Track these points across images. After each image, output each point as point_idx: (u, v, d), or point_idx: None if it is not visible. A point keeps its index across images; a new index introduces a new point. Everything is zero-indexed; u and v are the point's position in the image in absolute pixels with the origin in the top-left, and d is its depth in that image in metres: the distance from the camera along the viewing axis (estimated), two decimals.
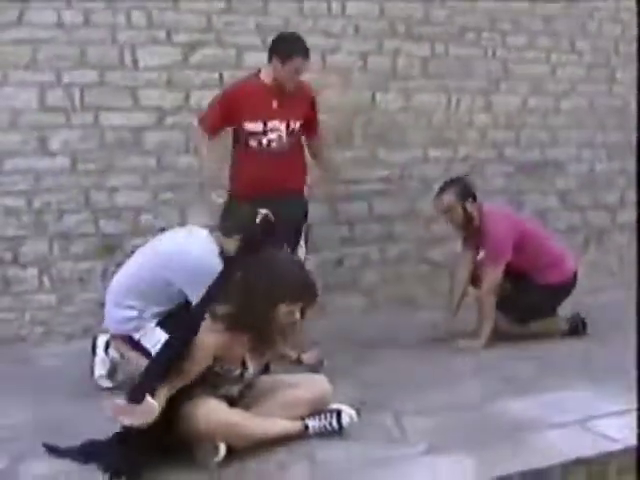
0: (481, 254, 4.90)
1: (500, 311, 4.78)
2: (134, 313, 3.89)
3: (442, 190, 4.85)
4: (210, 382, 3.12)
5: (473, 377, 4.17)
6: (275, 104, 4.43)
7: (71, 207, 5.12)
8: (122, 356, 4.04)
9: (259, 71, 4.55)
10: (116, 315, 3.95)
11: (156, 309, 3.88)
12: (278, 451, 3.10)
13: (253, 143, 4.45)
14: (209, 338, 3.05)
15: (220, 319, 3.09)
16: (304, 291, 3.17)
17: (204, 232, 4.00)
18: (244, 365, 3.20)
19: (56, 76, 5.05)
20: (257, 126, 4.41)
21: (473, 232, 4.86)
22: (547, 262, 4.84)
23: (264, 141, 4.44)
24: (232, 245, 3.92)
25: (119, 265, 4.35)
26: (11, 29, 4.97)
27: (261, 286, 3.08)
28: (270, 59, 4.43)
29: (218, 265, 3.71)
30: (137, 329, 3.90)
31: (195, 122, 4.76)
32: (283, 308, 3.11)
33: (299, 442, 3.19)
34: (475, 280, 4.90)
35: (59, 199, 5.09)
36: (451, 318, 4.91)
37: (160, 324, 3.85)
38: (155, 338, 3.75)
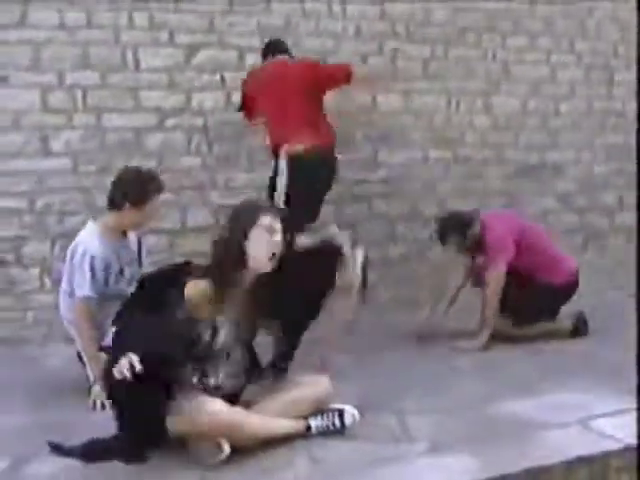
0: (480, 258, 4.92)
1: (500, 313, 4.80)
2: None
3: (443, 240, 4.98)
4: (193, 365, 3.14)
5: (474, 377, 4.18)
6: None
7: (73, 208, 5.13)
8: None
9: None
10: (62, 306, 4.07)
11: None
12: (281, 450, 3.11)
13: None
14: (199, 286, 3.09)
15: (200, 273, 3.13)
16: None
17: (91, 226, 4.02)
18: (215, 329, 3.17)
19: (58, 77, 5.07)
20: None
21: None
22: (548, 263, 4.85)
23: None
24: (122, 218, 3.94)
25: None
26: (14, 30, 4.99)
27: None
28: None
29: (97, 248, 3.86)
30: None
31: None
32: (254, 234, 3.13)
33: (302, 441, 3.20)
34: (477, 281, 4.92)
35: (61, 200, 5.11)
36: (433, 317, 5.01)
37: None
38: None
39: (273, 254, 3.15)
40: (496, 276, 4.74)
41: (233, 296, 3.17)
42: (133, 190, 3.86)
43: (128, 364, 2.70)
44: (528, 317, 4.82)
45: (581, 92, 6.73)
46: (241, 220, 3.16)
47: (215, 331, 3.15)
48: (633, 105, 6.91)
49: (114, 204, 3.91)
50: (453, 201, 5.81)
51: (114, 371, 2.73)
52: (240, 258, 3.12)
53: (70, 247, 3.96)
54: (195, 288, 3.08)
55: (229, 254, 3.12)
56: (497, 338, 4.79)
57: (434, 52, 6.11)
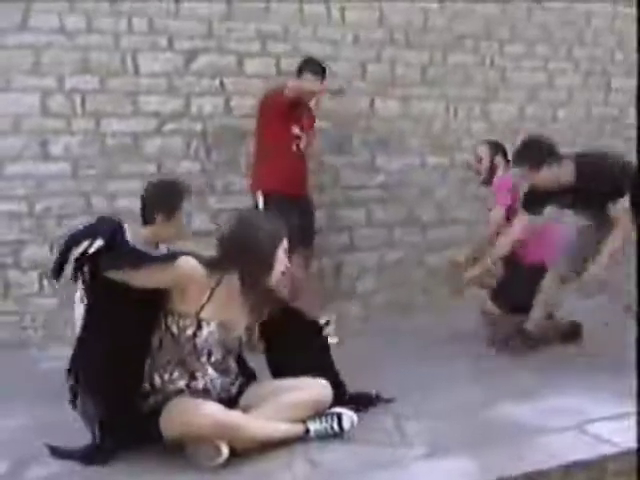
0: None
1: (493, 302, 4.80)
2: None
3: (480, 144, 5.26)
4: (179, 366, 3.18)
5: (472, 382, 4.18)
6: (302, 114, 5.08)
7: (72, 212, 5.14)
8: None
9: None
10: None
11: None
12: (279, 453, 3.12)
13: (294, 146, 5.03)
14: (192, 261, 3.14)
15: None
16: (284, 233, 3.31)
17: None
18: (199, 325, 3.18)
19: (58, 81, 5.09)
20: (297, 131, 5.03)
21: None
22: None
23: (301, 145, 5.08)
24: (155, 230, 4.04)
25: None
26: (14, 34, 5.02)
27: (260, 235, 3.20)
28: (300, 73, 5.08)
29: None
30: None
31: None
32: (279, 253, 3.24)
33: (300, 445, 3.20)
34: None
35: (60, 204, 5.12)
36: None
37: None
38: None
39: (283, 273, 3.28)
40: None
41: (227, 300, 3.20)
42: (162, 203, 3.99)
43: None
44: (517, 297, 4.75)
45: (579, 98, 6.76)
46: (274, 233, 3.25)
47: (199, 327, 3.17)
48: (631, 111, 6.94)
49: (146, 219, 4.02)
50: (450, 207, 5.83)
51: None
52: (269, 267, 3.22)
53: None
54: (189, 262, 3.14)
55: (263, 261, 3.20)
56: (495, 347, 4.83)
57: (432, 58, 6.14)
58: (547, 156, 4.33)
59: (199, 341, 3.17)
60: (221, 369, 3.29)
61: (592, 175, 4.27)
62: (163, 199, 4.01)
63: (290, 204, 4.83)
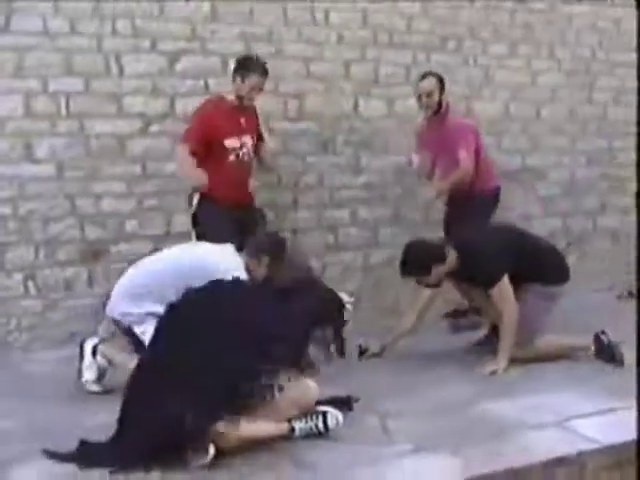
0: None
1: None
2: (142, 310, 4.01)
3: (427, 75, 5.35)
4: None
5: (456, 381, 4.22)
6: (243, 121, 4.97)
7: (56, 214, 5.14)
8: (110, 362, 4.08)
9: (223, 96, 5.01)
10: (126, 305, 4.08)
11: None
12: (265, 452, 3.15)
13: (231, 157, 4.90)
14: None
15: None
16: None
17: (232, 249, 4.21)
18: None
19: (42, 83, 5.08)
20: (234, 142, 4.91)
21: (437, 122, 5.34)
22: (485, 170, 5.33)
23: (240, 154, 4.94)
24: (258, 267, 4.18)
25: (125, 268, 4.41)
26: None
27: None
28: (234, 79, 4.92)
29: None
30: (139, 322, 4.01)
31: (179, 144, 4.94)
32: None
33: (285, 444, 3.24)
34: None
35: (45, 206, 5.11)
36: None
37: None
38: None
39: None
40: (467, 166, 5.17)
41: None
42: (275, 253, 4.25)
43: None
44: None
45: (562, 97, 6.80)
46: None
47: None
48: (614, 109, 7.00)
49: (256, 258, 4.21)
50: (435, 206, 5.84)
51: None
52: None
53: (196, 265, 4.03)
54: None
55: None
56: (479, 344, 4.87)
57: (416, 58, 6.16)
58: (431, 261, 4.44)
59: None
60: None
61: (470, 261, 4.45)
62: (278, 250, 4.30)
63: (224, 214, 4.80)
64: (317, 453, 3.18)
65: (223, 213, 4.79)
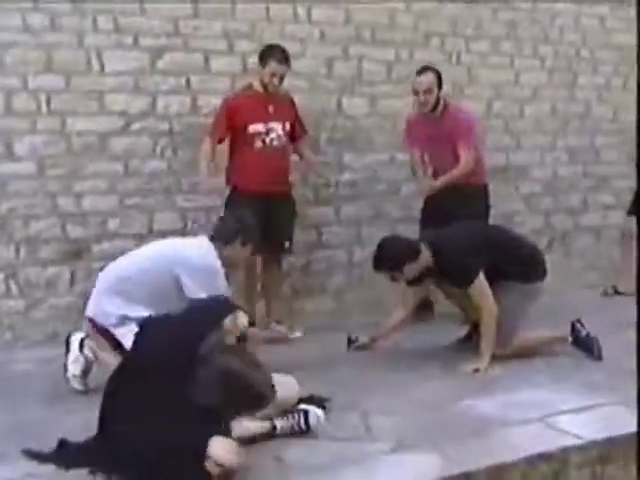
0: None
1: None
2: (121, 312, 3.96)
3: (425, 70, 5.32)
4: None
5: (439, 378, 4.22)
6: (271, 108, 5.07)
7: (38, 212, 5.10)
8: (96, 357, 4.05)
9: (251, 84, 5.16)
10: (106, 305, 4.02)
11: (145, 313, 3.86)
12: (246, 451, 3.12)
13: (258, 144, 5.04)
14: None
15: None
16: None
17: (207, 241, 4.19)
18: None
19: (22, 80, 5.03)
20: (259, 127, 5.03)
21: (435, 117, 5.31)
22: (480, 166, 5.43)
23: (267, 140, 5.05)
24: (234, 251, 4.20)
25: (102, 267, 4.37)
26: None
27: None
28: (263, 62, 5.03)
29: (220, 268, 4.04)
30: (120, 324, 3.95)
31: (205, 136, 5.12)
32: None
33: (267, 442, 3.22)
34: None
35: (25, 204, 5.07)
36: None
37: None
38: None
39: None
40: (468, 161, 5.20)
41: None
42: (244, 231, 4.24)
43: None
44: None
45: (544, 95, 6.81)
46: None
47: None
48: (596, 108, 7.02)
49: (227, 242, 4.20)
50: (418, 203, 5.83)
51: None
52: None
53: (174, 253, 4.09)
54: None
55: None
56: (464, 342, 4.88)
57: (399, 56, 6.15)
58: (404, 258, 4.39)
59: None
60: None
61: (444, 260, 4.43)
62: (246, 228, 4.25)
63: (248, 202, 4.89)
64: (299, 451, 3.17)
65: (246, 203, 4.87)
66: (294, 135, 5.26)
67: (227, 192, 5.16)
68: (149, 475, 2.88)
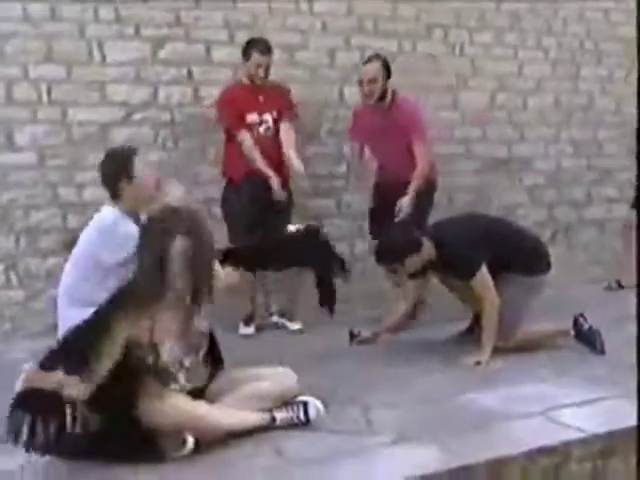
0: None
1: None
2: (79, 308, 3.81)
3: (371, 59, 5.15)
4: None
5: (440, 372, 4.20)
6: (261, 99, 5.09)
7: (38, 203, 5.10)
8: None
9: (240, 79, 5.21)
10: (66, 313, 3.89)
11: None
12: (245, 442, 3.12)
13: (254, 133, 5.07)
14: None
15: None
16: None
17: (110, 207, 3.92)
18: (156, 350, 3.11)
19: (23, 70, 5.02)
20: (253, 117, 5.06)
21: (382, 109, 5.13)
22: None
23: (260, 131, 5.08)
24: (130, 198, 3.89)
25: None
26: None
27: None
28: (242, 62, 5.11)
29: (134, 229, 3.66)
30: None
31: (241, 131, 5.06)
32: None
33: (266, 433, 3.20)
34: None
35: (26, 194, 5.07)
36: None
37: None
38: None
39: None
40: (426, 157, 5.09)
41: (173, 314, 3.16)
42: (116, 168, 3.89)
43: None
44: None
45: (548, 87, 6.78)
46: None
47: (157, 353, 3.11)
48: (599, 100, 6.98)
49: (114, 191, 3.89)
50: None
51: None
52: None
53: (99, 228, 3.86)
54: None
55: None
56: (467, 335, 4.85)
57: (401, 47, 6.12)
58: (405, 251, 4.35)
59: (163, 362, 3.12)
60: (195, 371, 3.25)
61: (446, 252, 4.39)
62: (116, 165, 3.91)
63: (245, 193, 4.98)
64: (298, 443, 3.15)
65: (241, 194, 5.00)
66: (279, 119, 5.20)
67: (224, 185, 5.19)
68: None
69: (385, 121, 5.10)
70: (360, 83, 5.11)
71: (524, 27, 6.63)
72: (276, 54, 5.26)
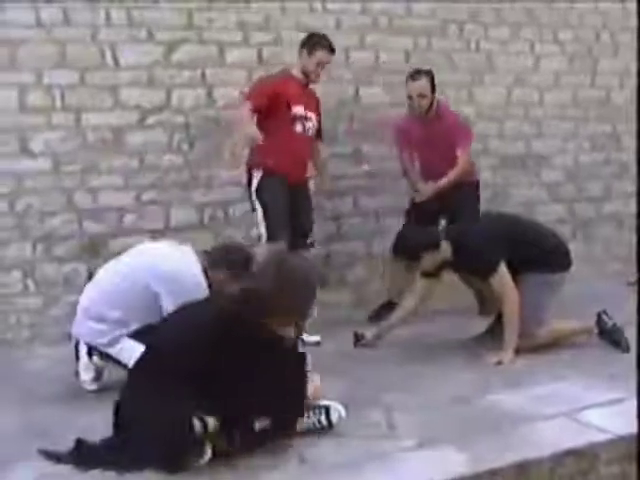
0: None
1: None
2: (109, 327, 3.84)
3: (418, 75, 5.24)
4: None
5: (463, 372, 4.16)
6: (306, 97, 4.95)
7: (54, 209, 5.07)
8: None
9: (287, 69, 5.01)
10: (91, 328, 3.89)
11: (134, 326, 3.81)
12: (268, 450, 3.07)
13: (298, 127, 4.88)
14: None
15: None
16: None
17: (192, 254, 3.88)
18: None
19: (36, 76, 5.00)
20: (301, 110, 4.87)
21: (428, 120, 5.32)
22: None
23: (306, 126, 4.93)
24: (217, 279, 3.80)
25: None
26: None
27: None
28: (300, 54, 4.92)
29: (202, 285, 3.73)
30: (111, 344, 3.85)
31: (242, 102, 4.86)
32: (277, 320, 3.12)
33: (289, 440, 3.16)
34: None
35: (42, 201, 5.04)
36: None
37: (132, 336, 3.81)
38: (132, 350, 3.61)
39: None
40: (466, 160, 5.33)
41: None
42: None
43: None
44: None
45: (565, 81, 6.71)
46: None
47: None
48: (617, 94, 6.90)
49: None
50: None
51: None
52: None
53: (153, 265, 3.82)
54: None
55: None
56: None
57: (417, 44, 6.07)
58: (423, 246, 4.41)
59: None
60: None
61: (464, 252, 4.41)
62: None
63: (280, 184, 4.79)
64: (321, 449, 3.11)
65: (284, 188, 4.79)
66: (318, 132, 5.13)
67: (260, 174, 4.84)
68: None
69: (432, 130, 5.31)
70: (409, 98, 5.28)
71: (540, 21, 6.56)
72: (289, 53, 5.23)
